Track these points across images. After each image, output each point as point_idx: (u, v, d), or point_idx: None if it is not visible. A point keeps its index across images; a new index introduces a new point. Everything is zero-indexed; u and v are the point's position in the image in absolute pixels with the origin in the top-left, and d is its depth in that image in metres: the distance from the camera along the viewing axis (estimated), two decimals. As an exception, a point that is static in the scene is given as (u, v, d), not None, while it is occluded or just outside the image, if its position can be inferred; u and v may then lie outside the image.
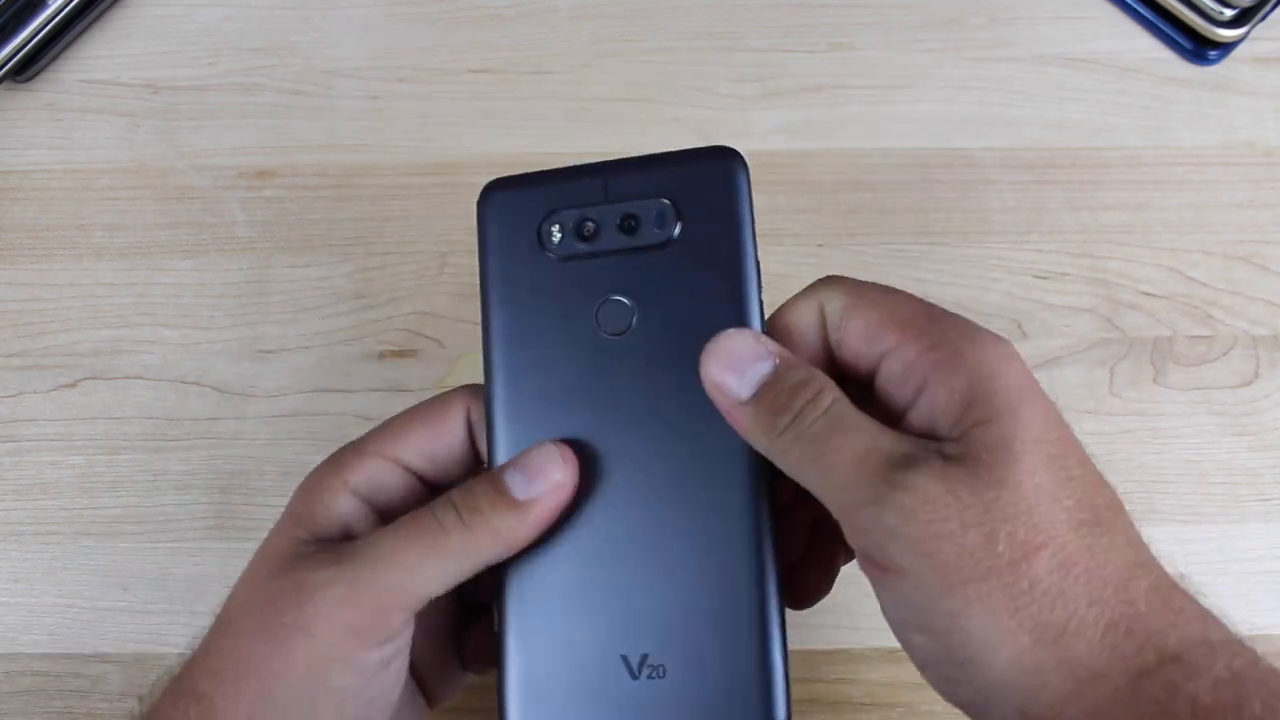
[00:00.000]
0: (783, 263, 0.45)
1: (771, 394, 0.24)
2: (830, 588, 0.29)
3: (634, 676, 0.26)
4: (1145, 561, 0.23)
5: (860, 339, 0.25)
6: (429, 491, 0.28)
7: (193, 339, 0.45)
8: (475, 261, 0.45)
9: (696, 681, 0.25)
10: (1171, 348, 0.43)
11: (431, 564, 0.25)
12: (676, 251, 0.27)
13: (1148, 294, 0.44)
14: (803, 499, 0.26)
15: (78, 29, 0.49)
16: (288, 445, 0.43)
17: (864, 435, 0.24)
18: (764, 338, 0.26)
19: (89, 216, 0.47)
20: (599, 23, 0.49)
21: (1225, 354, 0.43)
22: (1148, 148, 0.46)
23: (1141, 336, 0.43)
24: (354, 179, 0.47)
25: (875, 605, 0.41)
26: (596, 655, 0.26)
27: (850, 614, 0.40)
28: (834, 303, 0.26)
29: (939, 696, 0.24)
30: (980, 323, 0.43)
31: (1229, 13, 0.46)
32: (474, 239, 0.45)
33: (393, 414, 0.42)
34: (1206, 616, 0.22)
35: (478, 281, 0.29)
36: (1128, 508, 0.41)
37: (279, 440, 0.43)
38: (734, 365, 0.25)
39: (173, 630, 0.40)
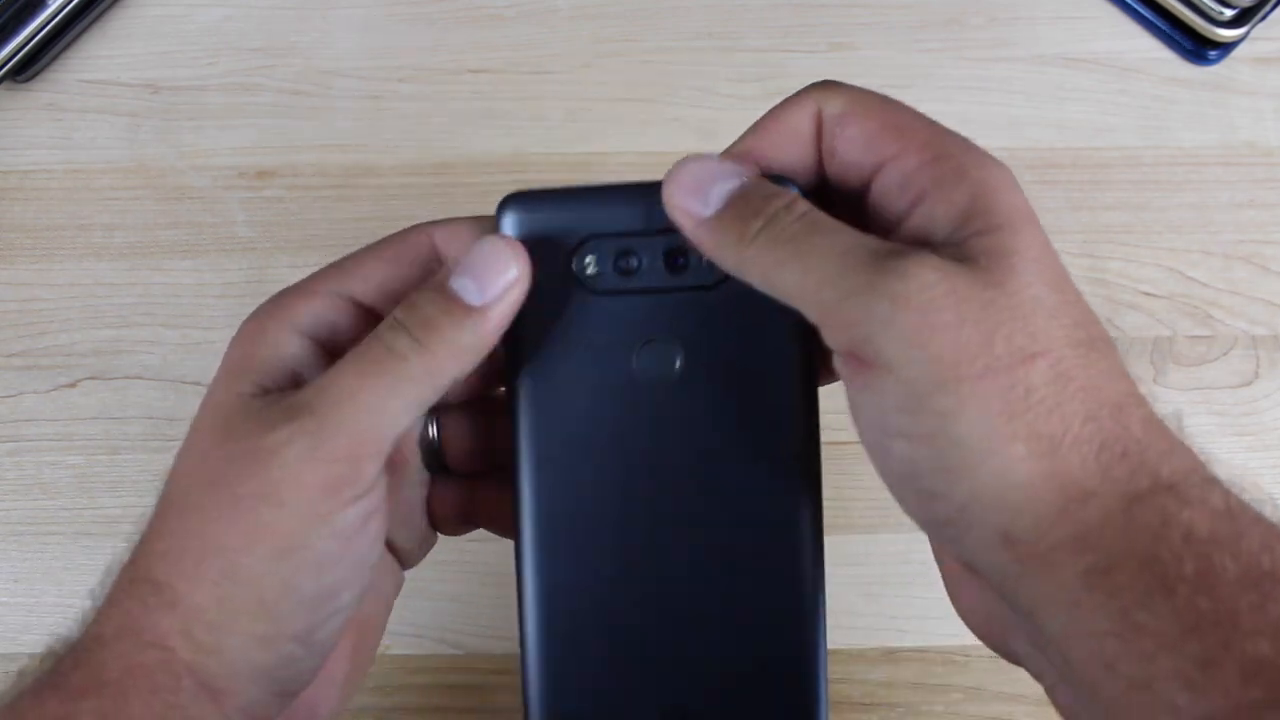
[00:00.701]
0: (783, 263, 0.45)
1: (741, 204, 0.23)
2: None
3: None
4: (1138, 394, 0.22)
5: (857, 147, 0.23)
6: None
7: (193, 339, 0.45)
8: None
9: None
10: (1171, 348, 0.43)
11: (396, 398, 0.23)
12: (727, 292, 0.24)
13: (1148, 294, 0.44)
14: None
15: (78, 29, 0.49)
16: (288, 445, 0.43)
17: (847, 234, 0.22)
18: (731, 159, 0.24)
19: (89, 216, 0.47)
20: (599, 23, 0.49)
21: (1225, 354, 0.43)
22: (1148, 148, 0.46)
23: (1141, 336, 0.43)
24: (354, 179, 0.47)
25: (875, 605, 0.41)
26: (637, 710, 0.25)
27: (850, 614, 0.40)
28: (832, 106, 0.24)
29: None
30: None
31: (1229, 13, 0.46)
32: (474, 239, 0.46)
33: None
34: (1199, 455, 0.21)
35: None
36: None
37: (279, 440, 0.43)
38: (699, 186, 0.23)
39: (173, 630, 0.40)
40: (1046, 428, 0.20)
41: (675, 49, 0.49)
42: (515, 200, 0.25)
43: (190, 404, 0.43)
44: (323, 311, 0.25)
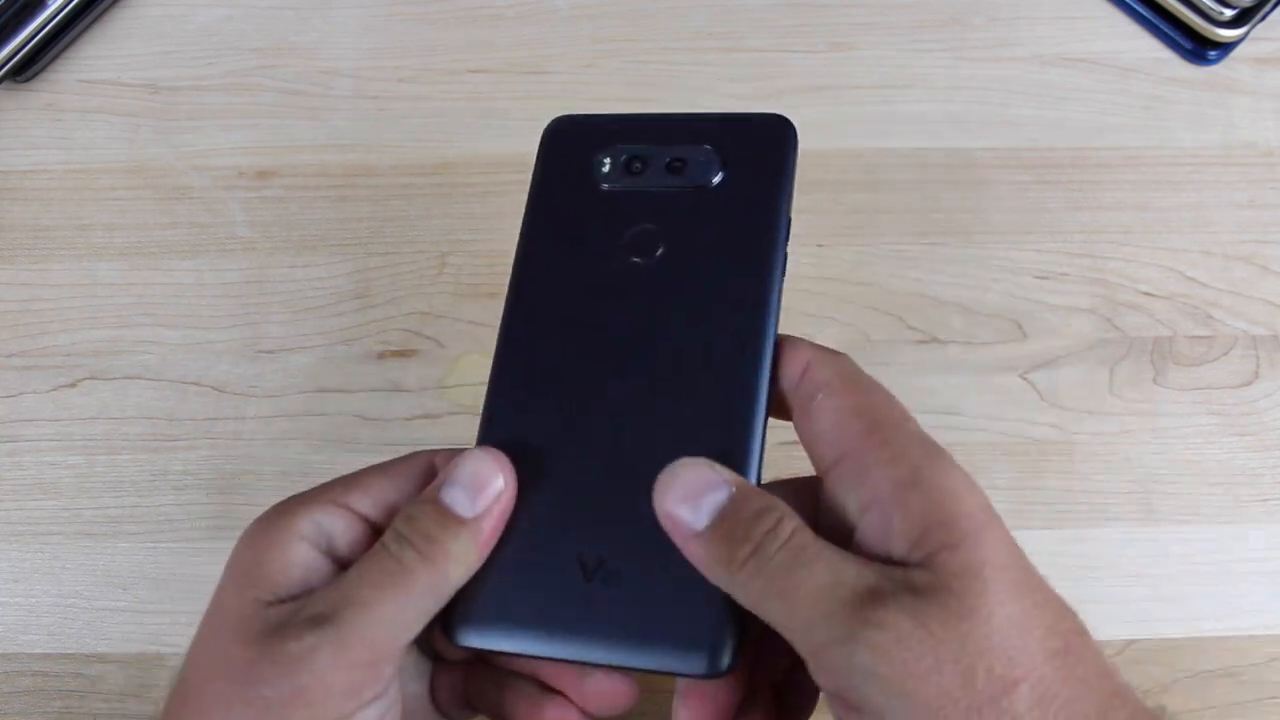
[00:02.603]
0: (783, 263, 0.45)
1: (729, 524, 0.24)
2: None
3: (587, 579, 0.25)
4: (1119, 690, 0.23)
5: (829, 421, 0.25)
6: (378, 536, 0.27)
7: (193, 339, 0.45)
8: (476, 260, 0.45)
9: (648, 599, 0.25)
10: (1171, 348, 0.43)
11: (408, 608, 0.25)
12: (714, 197, 0.29)
13: (1148, 294, 0.44)
14: None
15: (78, 29, 0.49)
16: (288, 445, 0.43)
17: (828, 568, 0.23)
18: (719, 466, 0.25)
19: (89, 216, 0.47)
20: (599, 23, 0.49)
21: (1225, 354, 0.43)
22: (1148, 148, 0.46)
23: (1141, 336, 0.43)
24: (354, 179, 0.47)
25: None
26: (555, 552, 0.26)
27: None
28: (822, 370, 0.26)
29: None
30: (980, 323, 0.43)
31: (1229, 13, 0.46)
32: (474, 239, 0.46)
33: (392, 414, 0.43)
34: None
35: (525, 205, 0.30)
36: (1128, 508, 0.41)
37: (279, 440, 0.43)
38: (688, 496, 0.24)
39: (172, 631, 0.40)
40: None
41: (675, 49, 0.49)
42: (560, 119, 0.31)
43: (190, 404, 0.44)
44: (325, 521, 0.27)
